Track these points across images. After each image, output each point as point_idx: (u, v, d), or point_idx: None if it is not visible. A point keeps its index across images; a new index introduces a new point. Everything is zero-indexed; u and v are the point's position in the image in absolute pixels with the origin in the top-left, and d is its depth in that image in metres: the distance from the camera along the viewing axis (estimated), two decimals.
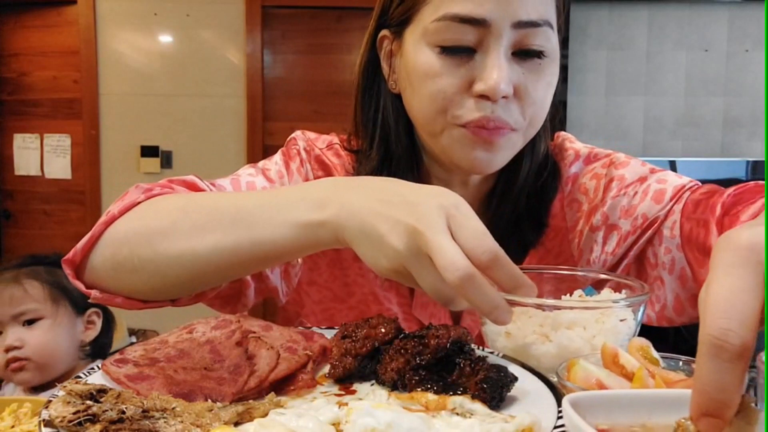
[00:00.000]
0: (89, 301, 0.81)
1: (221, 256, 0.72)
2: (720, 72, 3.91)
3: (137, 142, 4.17)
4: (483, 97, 0.81)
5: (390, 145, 0.93)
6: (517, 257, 0.93)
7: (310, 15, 4.09)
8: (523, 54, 0.83)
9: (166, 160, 4.15)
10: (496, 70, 0.80)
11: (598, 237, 0.93)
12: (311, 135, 1.05)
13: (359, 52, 0.97)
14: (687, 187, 0.89)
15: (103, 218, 0.80)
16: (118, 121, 4.19)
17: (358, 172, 0.97)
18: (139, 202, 0.80)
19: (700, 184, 0.91)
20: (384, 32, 0.92)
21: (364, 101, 0.96)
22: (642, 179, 0.93)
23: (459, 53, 0.82)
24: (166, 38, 4.20)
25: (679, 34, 3.89)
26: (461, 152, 0.85)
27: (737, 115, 3.93)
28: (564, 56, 3.74)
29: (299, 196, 0.70)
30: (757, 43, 3.85)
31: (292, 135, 1.05)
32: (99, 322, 1.68)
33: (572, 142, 1.03)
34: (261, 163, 1.01)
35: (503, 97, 0.81)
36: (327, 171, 1.01)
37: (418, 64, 0.85)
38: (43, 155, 4.26)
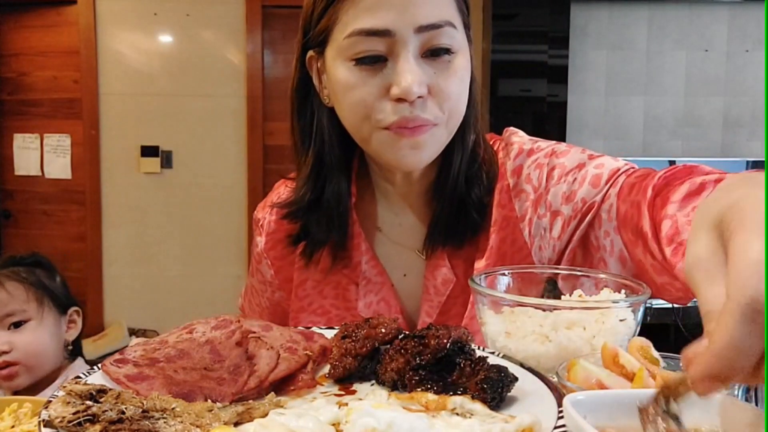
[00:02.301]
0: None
1: None
2: (720, 72, 3.91)
3: (137, 142, 4.17)
4: (400, 100, 0.87)
5: (324, 155, 0.99)
6: (470, 237, 1.00)
7: None
8: (432, 54, 0.89)
9: (166, 160, 4.14)
10: (408, 74, 0.86)
11: (545, 224, 0.98)
12: (260, 211, 1.14)
13: (291, 73, 1.03)
14: (622, 170, 0.94)
15: None
16: (118, 121, 4.19)
17: (295, 185, 1.04)
18: None
19: (636, 167, 0.95)
20: (310, 53, 0.98)
21: (300, 118, 1.02)
22: (580, 166, 0.97)
23: (372, 63, 0.89)
24: (166, 38, 4.20)
25: (679, 34, 3.88)
26: (390, 153, 0.91)
27: (737, 115, 3.92)
28: (564, 56, 3.71)
29: None
30: (757, 43, 3.85)
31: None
32: (80, 321, 1.66)
33: (518, 136, 1.08)
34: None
35: (419, 97, 0.87)
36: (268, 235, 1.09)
37: (338, 79, 0.91)
38: (43, 155, 4.26)
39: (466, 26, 0.95)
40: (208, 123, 4.16)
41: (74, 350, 1.65)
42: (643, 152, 3.88)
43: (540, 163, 1.00)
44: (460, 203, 0.99)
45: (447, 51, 0.89)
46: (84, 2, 4.07)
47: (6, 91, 4.28)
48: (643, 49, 3.89)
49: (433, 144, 0.92)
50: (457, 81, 0.91)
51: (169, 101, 4.18)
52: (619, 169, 0.94)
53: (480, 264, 0.97)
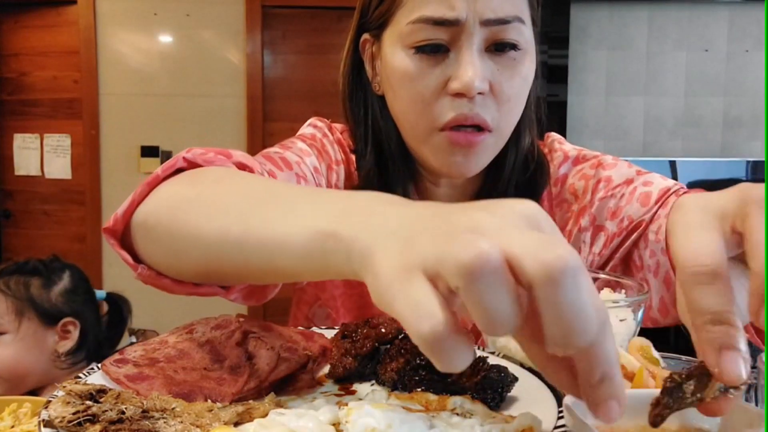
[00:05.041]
0: (136, 276, 0.69)
1: (224, 245, 0.58)
2: (720, 72, 3.91)
3: (137, 142, 4.17)
4: (459, 95, 0.83)
5: (383, 144, 0.94)
6: None
7: (311, 15, 4.09)
8: (497, 49, 0.84)
9: (166, 160, 4.13)
10: (470, 68, 0.81)
11: (585, 238, 0.95)
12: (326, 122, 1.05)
13: (342, 55, 0.98)
14: (672, 190, 0.91)
15: (148, 179, 0.73)
16: (118, 121, 4.19)
17: (357, 171, 0.98)
18: (182, 168, 0.74)
19: (685, 187, 0.92)
20: (365, 35, 0.93)
21: (352, 104, 0.98)
22: (628, 181, 0.94)
23: (433, 53, 0.84)
24: (166, 38, 4.20)
25: (679, 34, 3.89)
26: (440, 158, 0.87)
27: (737, 115, 3.93)
28: (564, 56, 3.71)
29: (331, 199, 0.52)
30: (757, 43, 3.85)
31: (310, 120, 1.05)
32: (75, 332, 1.61)
33: (561, 144, 1.05)
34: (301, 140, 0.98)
35: (479, 93, 0.82)
36: (345, 154, 1.00)
37: (395, 66, 0.86)
38: (43, 155, 4.26)
39: (534, 23, 0.89)
40: (208, 123, 4.16)
41: (96, 357, 1.62)
42: (643, 152, 3.88)
43: (586, 174, 0.97)
44: None
45: (513, 47, 0.84)
46: (84, 2, 4.07)
47: (6, 91, 4.28)
48: (643, 49, 3.90)
49: (483, 154, 0.88)
50: (520, 82, 0.86)
51: (169, 101, 4.18)
52: (669, 189, 0.91)
53: None
